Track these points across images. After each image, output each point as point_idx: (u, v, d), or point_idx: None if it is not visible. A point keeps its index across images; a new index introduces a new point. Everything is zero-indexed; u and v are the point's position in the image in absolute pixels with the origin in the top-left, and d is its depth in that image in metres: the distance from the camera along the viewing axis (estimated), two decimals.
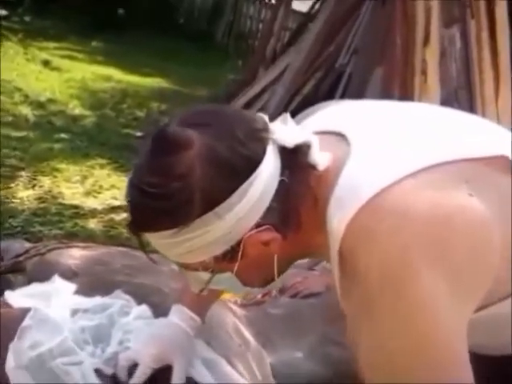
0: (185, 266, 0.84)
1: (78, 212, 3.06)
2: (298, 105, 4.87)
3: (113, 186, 3.49)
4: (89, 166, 3.77)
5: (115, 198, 3.33)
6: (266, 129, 0.80)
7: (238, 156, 0.75)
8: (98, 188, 3.44)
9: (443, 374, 0.72)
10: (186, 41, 9.37)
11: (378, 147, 0.80)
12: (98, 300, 1.19)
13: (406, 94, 4.56)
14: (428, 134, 0.84)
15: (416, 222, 0.73)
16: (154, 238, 0.80)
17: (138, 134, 4.64)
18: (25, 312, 1.08)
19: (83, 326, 1.08)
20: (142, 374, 1.05)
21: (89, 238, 2.63)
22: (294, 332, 1.69)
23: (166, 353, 1.07)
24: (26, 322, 1.04)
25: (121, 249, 1.89)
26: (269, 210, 0.78)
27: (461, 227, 0.73)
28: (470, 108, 4.74)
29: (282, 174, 0.79)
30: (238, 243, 0.79)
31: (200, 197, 0.74)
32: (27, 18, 8.88)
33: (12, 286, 1.74)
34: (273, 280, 0.86)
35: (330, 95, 4.73)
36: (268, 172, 0.77)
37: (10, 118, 4.49)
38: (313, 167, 0.80)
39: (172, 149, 0.75)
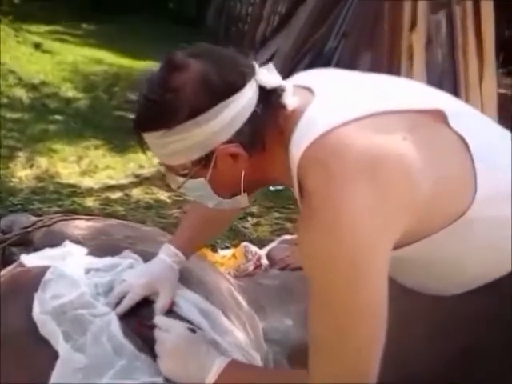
0: (169, 168, 1.03)
1: (75, 191, 3.15)
2: None
3: (108, 167, 3.59)
4: (84, 146, 3.86)
5: (110, 178, 3.43)
6: (250, 67, 0.98)
7: (222, 81, 0.94)
8: (94, 168, 3.53)
9: (352, 282, 0.89)
10: (177, 24, 9.38)
11: (335, 98, 1.00)
12: (108, 260, 1.31)
13: None
14: (376, 90, 1.04)
15: (353, 151, 0.90)
16: (147, 138, 0.99)
17: (131, 116, 4.71)
18: (45, 269, 1.20)
19: (96, 283, 1.20)
20: (130, 299, 1.22)
21: (87, 215, 2.72)
22: (284, 301, 1.80)
23: (153, 282, 1.26)
24: (48, 276, 1.16)
25: (122, 221, 2.00)
26: (240, 131, 0.96)
27: (392, 159, 0.91)
28: (455, 92, 4.86)
29: (256, 106, 0.97)
30: (212, 153, 0.97)
31: (185, 107, 0.94)
32: (17, 1, 8.82)
33: (17, 259, 1.84)
34: (239, 194, 1.04)
35: None
36: (244, 100, 0.95)
37: (6, 100, 4.56)
38: (283, 107, 0.98)
39: (173, 69, 0.95)
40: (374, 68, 4.80)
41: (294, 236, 2.47)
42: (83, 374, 1.06)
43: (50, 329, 1.09)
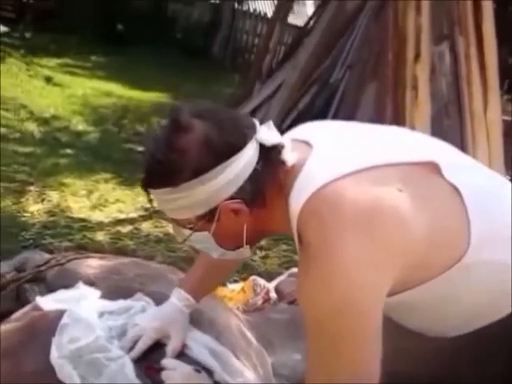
0: (175, 222, 1.08)
1: (85, 225, 3.19)
2: (293, 120, 5.03)
3: (117, 200, 3.65)
4: (94, 180, 3.92)
5: (120, 211, 3.48)
6: (251, 128, 1.03)
7: (224, 142, 0.99)
8: (104, 202, 3.58)
9: (344, 330, 0.93)
10: (184, 55, 9.53)
11: (332, 152, 1.04)
12: (121, 303, 1.35)
13: (398, 109, 4.73)
14: (372, 143, 1.08)
15: (348, 203, 0.94)
16: (154, 195, 1.05)
17: (140, 149, 4.78)
18: (61, 313, 1.24)
19: (110, 326, 1.24)
20: (144, 342, 1.27)
21: (97, 249, 2.76)
22: (293, 336, 1.82)
23: (165, 326, 1.30)
24: (64, 320, 1.20)
25: (132, 259, 2.04)
26: (241, 188, 1.01)
27: (387, 211, 0.95)
28: (460, 121, 4.91)
29: (257, 164, 1.02)
30: (215, 208, 1.02)
31: (189, 167, 0.98)
32: (28, 35, 9.00)
33: (30, 295, 1.88)
34: (242, 247, 1.09)
35: (324, 110, 4.89)
36: (245, 159, 1.00)
37: (18, 135, 4.65)
38: (283, 163, 1.03)
39: (178, 129, 1.00)
40: (379, 99, 4.86)
41: None
42: None
43: (67, 372, 1.13)
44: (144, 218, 3.40)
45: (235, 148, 1.00)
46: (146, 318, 1.32)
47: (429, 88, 4.78)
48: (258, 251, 3.02)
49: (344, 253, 0.92)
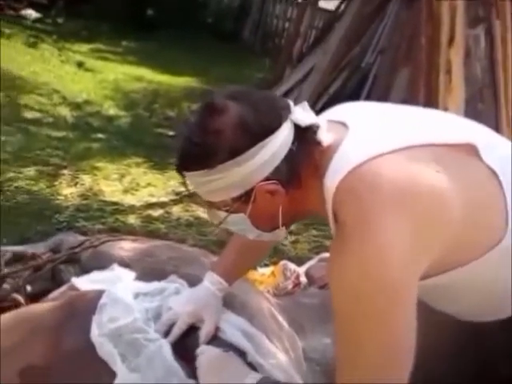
0: (210, 205, 1.09)
1: (117, 208, 3.23)
2: (324, 104, 5.00)
3: (149, 184, 3.68)
4: (125, 164, 3.96)
5: (152, 195, 3.51)
6: (286, 108, 1.03)
7: (259, 123, 0.99)
8: (135, 186, 3.62)
9: (376, 313, 0.91)
10: (215, 40, 9.51)
11: (368, 132, 1.03)
12: (155, 284, 1.37)
13: (431, 93, 4.66)
14: (409, 124, 1.07)
15: (387, 182, 0.93)
16: (189, 177, 1.05)
17: (171, 133, 4.82)
18: (99, 293, 1.27)
19: (146, 308, 1.26)
20: (179, 328, 1.28)
21: (129, 232, 2.80)
22: (323, 320, 1.82)
23: (198, 310, 1.31)
24: (103, 299, 1.23)
25: (165, 242, 2.06)
26: (277, 169, 1.01)
27: (425, 191, 0.94)
28: (495, 106, 4.81)
29: (292, 144, 1.01)
30: (251, 190, 1.02)
31: (225, 148, 0.99)
32: (60, 20, 9.08)
33: (65, 275, 1.92)
34: (277, 228, 1.09)
35: (355, 95, 4.84)
36: (280, 140, 1.00)
37: (51, 119, 4.71)
38: (318, 143, 1.03)
39: (213, 112, 1.00)
40: (412, 83, 4.79)
41: None
42: None
43: (107, 350, 1.15)
44: (175, 202, 3.42)
45: (270, 129, 0.99)
46: (179, 301, 1.33)
47: (463, 72, 4.69)
48: (288, 236, 3.02)
49: (381, 232, 0.91)
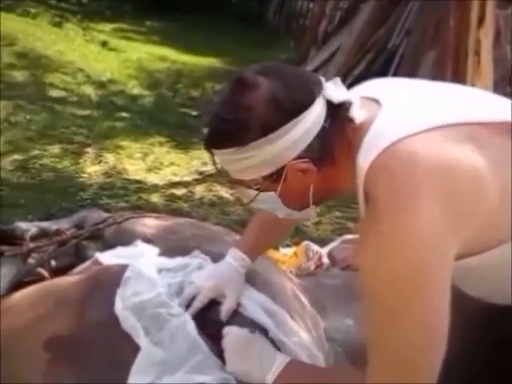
0: (240, 183, 1.06)
1: (141, 187, 3.25)
2: (349, 86, 4.94)
3: (172, 163, 3.69)
4: (149, 143, 3.97)
5: (175, 174, 3.52)
6: (318, 84, 1.00)
7: (291, 100, 0.96)
8: (159, 165, 3.63)
9: (409, 293, 0.89)
10: (239, 20, 9.47)
11: (402, 109, 1.00)
12: (178, 260, 1.37)
13: (458, 75, 4.57)
14: (443, 102, 1.04)
15: (424, 162, 0.91)
16: (220, 155, 1.01)
17: (194, 113, 4.81)
18: (123, 267, 1.27)
19: (169, 283, 1.26)
20: (200, 301, 1.28)
21: (153, 210, 2.81)
22: (345, 301, 1.81)
23: (220, 285, 1.30)
24: (128, 273, 1.23)
25: (188, 220, 2.06)
26: (309, 146, 0.98)
27: (461, 169, 0.92)
28: None
29: (324, 121, 0.98)
30: (282, 168, 0.99)
31: (257, 125, 0.96)
32: (84, 0, 9.11)
33: (89, 251, 1.93)
34: (308, 207, 1.06)
35: (381, 77, 4.77)
36: (313, 117, 0.97)
37: (75, 98, 4.74)
38: (351, 120, 1.00)
39: (244, 88, 0.97)
40: (439, 64, 4.71)
41: (356, 236, 2.47)
42: (160, 367, 1.12)
43: (131, 323, 1.16)
44: (198, 182, 3.43)
45: (303, 105, 0.97)
46: (202, 276, 1.32)
47: (492, 54, 4.59)
48: None
49: (416, 212, 0.88)
